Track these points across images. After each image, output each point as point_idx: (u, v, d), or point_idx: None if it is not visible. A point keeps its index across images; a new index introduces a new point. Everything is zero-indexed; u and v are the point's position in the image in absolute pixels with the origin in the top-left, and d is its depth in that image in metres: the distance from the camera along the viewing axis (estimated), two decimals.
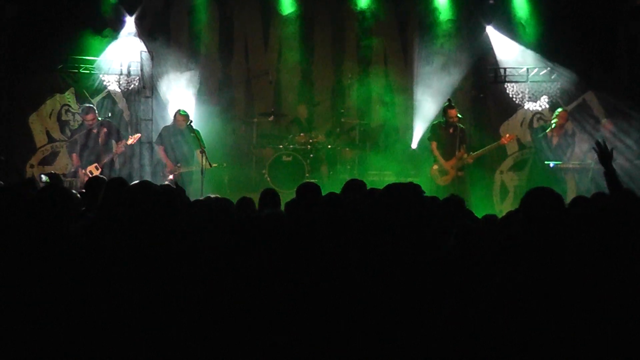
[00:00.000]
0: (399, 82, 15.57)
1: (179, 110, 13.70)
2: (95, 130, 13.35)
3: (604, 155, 6.09)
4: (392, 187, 5.01)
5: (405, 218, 4.38)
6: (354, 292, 4.18)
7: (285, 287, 4.20)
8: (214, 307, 4.22)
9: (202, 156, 12.90)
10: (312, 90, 15.94)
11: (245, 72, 15.89)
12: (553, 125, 13.14)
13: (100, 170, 13.08)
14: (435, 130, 13.42)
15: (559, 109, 13.43)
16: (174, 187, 5.69)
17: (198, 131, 13.28)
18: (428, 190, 11.21)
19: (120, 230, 4.71)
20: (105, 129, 13.47)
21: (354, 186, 6.92)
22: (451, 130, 13.13)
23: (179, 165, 13.38)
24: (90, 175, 12.73)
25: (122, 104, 14.81)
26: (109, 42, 14.51)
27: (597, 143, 6.18)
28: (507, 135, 13.67)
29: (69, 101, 14.48)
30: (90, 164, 13.20)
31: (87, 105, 13.62)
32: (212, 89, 15.55)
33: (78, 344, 4.16)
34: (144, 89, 14.78)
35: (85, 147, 13.30)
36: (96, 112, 13.50)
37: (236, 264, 4.35)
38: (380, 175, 14.33)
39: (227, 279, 4.29)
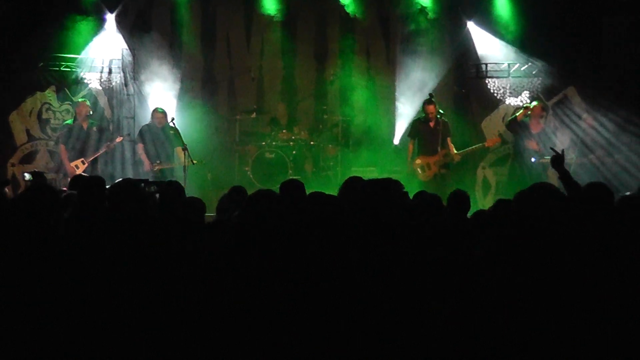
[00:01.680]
0: (381, 78, 15.57)
1: (157, 108, 13.73)
2: (85, 126, 13.43)
3: (557, 159, 6.38)
4: (372, 183, 5.01)
5: (386, 214, 4.38)
6: (345, 291, 4.16)
7: (280, 286, 4.18)
8: (197, 306, 4.21)
9: (184, 153, 12.91)
10: (294, 87, 15.92)
11: (228, 69, 15.84)
12: (528, 113, 13.15)
13: (85, 165, 13.16)
14: (415, 126, 13.46)
15: (535, 102, 13.48)
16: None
17: (177, 129, 13.29)
18: (407, 185, 11.19)
19: (103, 228, 4.70)
20: (95, 127, 13.56)
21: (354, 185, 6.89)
22: (432, 125, 13.13)
23: (158, 162, 13.33)
24: (76, 170, 12.86)
25: (103, 102, 14.75)
26: (90, 40, 14.45)
27: (552, 148, 6.55)
28: (493, 138, 13.76)
29: (50, 99, 14.44)
30: (77, 158, 13.25)
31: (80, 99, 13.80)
32: (194, 87, 15.51)
33: (68, 345, 4.15)
34: (125, 87, 14.75)
35: (75, 141, 13.36)
36: (89, 105, 13.57)
37: (234, 263, 4.33)
38: (364, 171, 14.27)
39: (223, 278, 4.28)
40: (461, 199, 7.34)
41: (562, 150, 6.76)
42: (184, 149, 12.96)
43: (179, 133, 13.27)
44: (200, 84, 15.64)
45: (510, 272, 4.22)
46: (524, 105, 13.50)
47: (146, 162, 13.42)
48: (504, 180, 14.04)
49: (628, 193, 6.42)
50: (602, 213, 4.81)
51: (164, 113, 13.61)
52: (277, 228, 4.50)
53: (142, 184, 5.89)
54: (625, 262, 4.25)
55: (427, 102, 13.18)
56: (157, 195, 5.78)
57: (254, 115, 15.22)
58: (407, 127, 14.13)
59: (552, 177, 12.91)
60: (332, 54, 15.80)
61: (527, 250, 4.27)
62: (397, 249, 4.41)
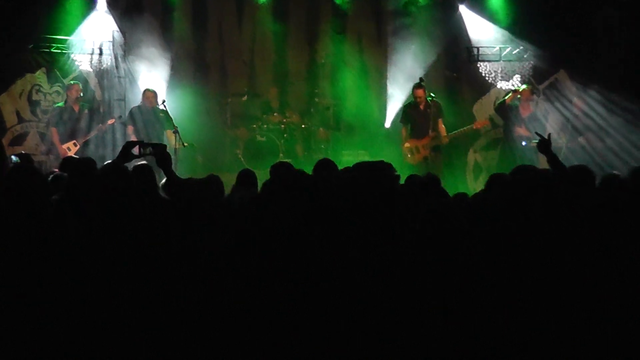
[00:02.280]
0: (372, 62, 15.55)
1: (147, 89, 13.72)
2: (77, 108, 13.42)
3: (543, 144, 6.43)
4: (362, 165, 4.99)
5: (377, 196, 4.35)
6: (340, 288, 4.13)
7: (278, 283, 4.14)
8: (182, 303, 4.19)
9: (175, 136, 12.88)
10: (286, 70, 15.89)
11: (220, 52, 15.80)
12: (518, 97, 13.17)
13: (77, 147, 13.17)
14: (406, 111, 13.47)
15: (524, 85, 13.51)
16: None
17: (167, 112, 13.27)
18: (398, 169, 11.19)
19: (94, 210, 4.67)
20: (86, 110, 13.57)
21: (326, 165, 6.92)
22: (422, 108, 13.12)
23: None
24: (68, 152, 12.86)
25: (94, 84, 14.69)
26: (81, 22, 14.37)
27: (537, 133, 6.95)
28: (481, 120, 13.78)
29: (40, 81, 14.36)
30: (68, 140, 13.25)
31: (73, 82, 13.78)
32: (185, 69, 15.43)
33: (57, 330, 4.13)
34: (116, 69, 14.68)
35: (66, 123, 13.35)
36: (80, 87, 13.55)
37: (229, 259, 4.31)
38: (355, 155, 14.30)
39: (215, 273, 4.25)
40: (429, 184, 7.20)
41: (549, 135, 6.79)
42: (175, 131, 12.94)
43: (169, 115, 13.24)
44: (192, 66, 15.57)
45: (485, 253, 4.22)
46: (513, 89, 13.51)
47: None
48: (495, 163, 14.04)
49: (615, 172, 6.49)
50: (584, 194, 4.83)
51: (154, 93, 13.60)
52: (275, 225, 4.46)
53: (138, 145, 5.84)
54: (611, 245, 4.27)
55: (416, 86, 13.16)
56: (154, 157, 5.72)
57: (245, 98, 15.19)
58: (398, 113, 14.12)
59: (543, 161, 12.94)
60: (323, 37, 15.75)
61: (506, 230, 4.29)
62: (389, 241, 4.38)
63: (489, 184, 5.85)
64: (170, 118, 13.13)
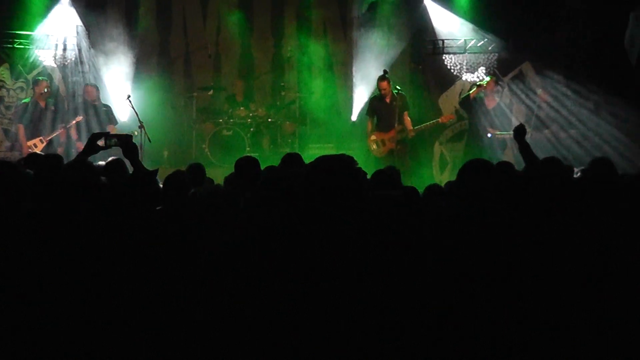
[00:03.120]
0: (338, 54, 15.60)
1: (88, 83, 13.75)
2: (43, 104, 13.34)
3: (519, 131, 6.45)
4: (323, 159, 4.95)
5: (338, 189, 4.34)
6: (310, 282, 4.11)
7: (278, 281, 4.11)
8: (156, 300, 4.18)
9: (141, 131, 12.83)
10: (251, 64, 15.90)
11: (184, 46, 15.78)
12: (482, 93, 13.27)
13: (44, 144, 13.10)
14: (372, 104, 13.46)
15: (487, 78, 13.61)
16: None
17: (109, 106, 13.39)
18: (364, 162, 11.26)
19: (58, 205, 4.63)
20: (52, 106, 13.50)
21: (293, 160, 6.93)
22: (388, 100, 13.15)
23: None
24: (35, 148, 12.78)
25: (58, 79, 14.58)
26: (44, 17, 14.26)
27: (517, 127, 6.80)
28: (447, 114, 13.87)
29: (3, 77, 14.24)
30: (35, 136, 13.17)
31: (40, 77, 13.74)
32: (150, 64, 15.40)
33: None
34: (80, 64, 14.58)
35: (32, 120, 13.29)
36: (48, 83, 13.48)
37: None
38: (322, 148, 14.33)
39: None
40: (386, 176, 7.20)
41: (522, 125, 6.82)
42: (140, 126, 12.88)
43: (111, 111, 13.57)
44: (157, 61, 15.54)
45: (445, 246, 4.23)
46: (477, 84, 13.59)
47: (78, 143, 13.34)
48: (461, 155, 14.13)
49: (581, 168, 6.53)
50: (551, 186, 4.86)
51: (95, 88, 13.74)
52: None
53: (104, 137, 5.80)
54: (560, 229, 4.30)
55: (380, 78, 13.14)
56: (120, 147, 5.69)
57: (211, 92, 15.17)
58: (365, 106, 14.15)
59: (508, 153, 13.07)
60: (289, 30, 15.77)
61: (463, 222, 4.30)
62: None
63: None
64: (136, 113, 13.06)
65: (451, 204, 4.61)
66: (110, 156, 6.99)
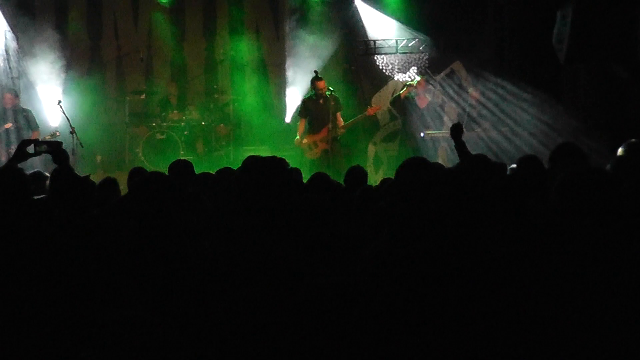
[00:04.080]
0: (271, 56, 15.61)
1: (4, 90, 13.53)
2: None
3: (456, 128, 6.57)
4: (251, 161, 4.91)
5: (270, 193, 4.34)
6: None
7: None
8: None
9: (72, 136, 12.68)
10: (184, 66, 15.82)
11: (116, 50, 15.62)
12: (413, 93, 13.40)
13: None
14: (306, 105, 13.48)
15: (417, 77, 13.76)
16: None
17: (29, 110, 13.26)
18: (299, 163, 11.29)
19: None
20: None
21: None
22: (321, 102, 13.19)
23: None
24: None
25: None
26: None
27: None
28: (373, 106, 13.98)
29: None
30: None
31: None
32: (81, 68, 15.25)
33: None
34: (10, 70, 14.35)
35: None
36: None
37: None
38: (257, 150, 14.29)
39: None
40: (357, 176, 7.40)
41: (459, 123, 6.97)
42: (72, 131, 12.73)
43: (32, 115, 13.35)
44: (88, 65, 15.39)
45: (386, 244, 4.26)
46: (407, 83, 13.71)
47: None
48: (395, 155, 14.24)
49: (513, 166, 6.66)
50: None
51: (11, 94, 13.50)
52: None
53: (34, 144, 5.75)
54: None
55: (315, 79, 13.20)
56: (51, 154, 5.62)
57: (143, 96, 15.06)
58: (298, 107, 14.16)
59: (441, 152, 13.22)
60: (221, 32, 15.72)
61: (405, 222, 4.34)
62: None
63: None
64: (67, 118, 12.89)
65: (390, 203, 4.63)
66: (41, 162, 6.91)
